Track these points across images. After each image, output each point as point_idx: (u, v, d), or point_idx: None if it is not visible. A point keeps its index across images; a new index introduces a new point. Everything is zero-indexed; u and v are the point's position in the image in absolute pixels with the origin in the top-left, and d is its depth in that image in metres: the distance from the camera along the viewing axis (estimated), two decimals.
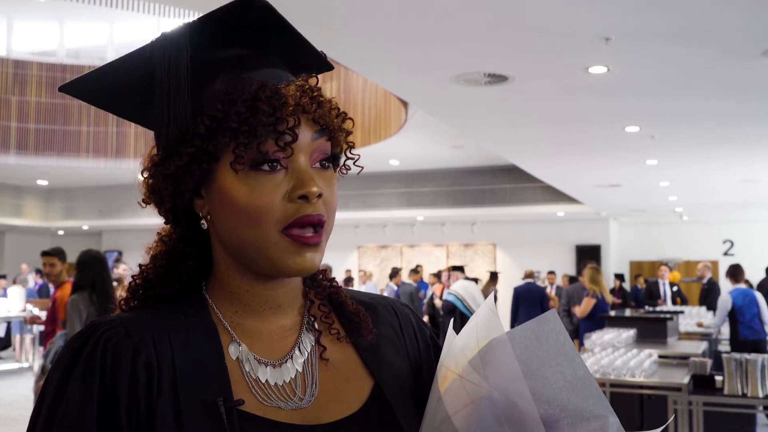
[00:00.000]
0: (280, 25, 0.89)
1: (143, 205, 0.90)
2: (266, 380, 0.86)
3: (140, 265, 0.93)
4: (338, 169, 0.91)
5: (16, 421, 7.81)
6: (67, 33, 12.80)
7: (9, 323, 12.73)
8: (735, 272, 8.37)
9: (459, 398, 0.83)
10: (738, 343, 8.03)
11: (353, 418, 0.87)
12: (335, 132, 0.87)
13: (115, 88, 0.90)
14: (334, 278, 1.00)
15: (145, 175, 0.88)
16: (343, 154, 0.91)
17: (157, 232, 0.95)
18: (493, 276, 11.88)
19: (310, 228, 0.84)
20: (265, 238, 0.82)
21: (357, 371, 0.92)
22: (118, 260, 12.84)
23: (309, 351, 0.91)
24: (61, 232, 21.89)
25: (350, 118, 0.90)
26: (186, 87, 0.84)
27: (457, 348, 0.88)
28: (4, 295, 12.76)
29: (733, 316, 8.14)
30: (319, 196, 0.83)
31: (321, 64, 0.96)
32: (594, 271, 9.17)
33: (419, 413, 0.92)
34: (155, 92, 0.85)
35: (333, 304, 0.97)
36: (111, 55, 12.59)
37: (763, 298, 8.24)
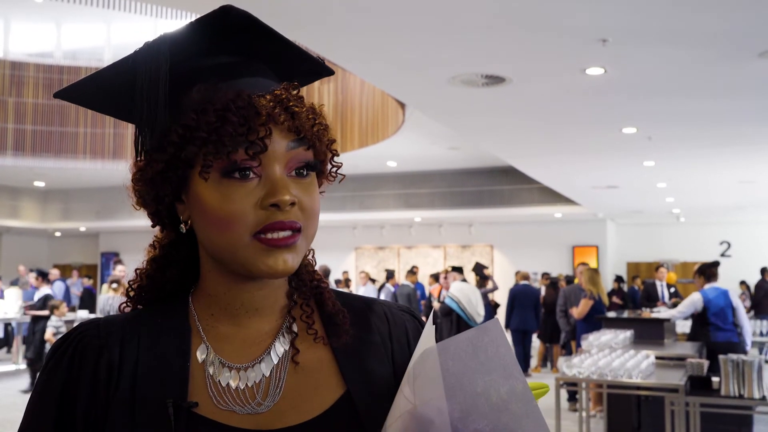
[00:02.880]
0: (262, 32, 0.90)
1: (137, 207, 0.92)
2: (227, 384, 0.86)
3: (136, 270, 0.97)
4: (325, 176, 0.93)
5: (14, 422, 7.79)
6: (64, 34, 12.80)
7: (8, 324, 12.70)
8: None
9: (394, 411, 0.82)
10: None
11: (309, 423, 0.86)
12: (314, 140, 0.88)
13: (104, 94, 0.93)
14: (322, 278, 0.99)
15: (132, 179, 0.91)
16: (328, 162, 0.92)
17: (154, 235, 0.98)
18: (478, 270, 11.51)
19: (283, 231, 0.84)
20: (237, 242, 0.84)
21: (329, 377, 0.91)
22: (117, 261, 12.82)
23: (281, 356, 0.90)
24: (58, 234, 21.85)
25: (328, 126, 0.91)
26: (164, 97, 0.85)
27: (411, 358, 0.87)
28: (1, 296, 12.73)
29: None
30: (293, 204, 0.84)
31: (317, 68, 0.97)
32: (593, 272, 9.18)
33: None
34: (135, 101, 0.87)
35: (318, 305, 0.97)
36: (108, 57, 12.58)
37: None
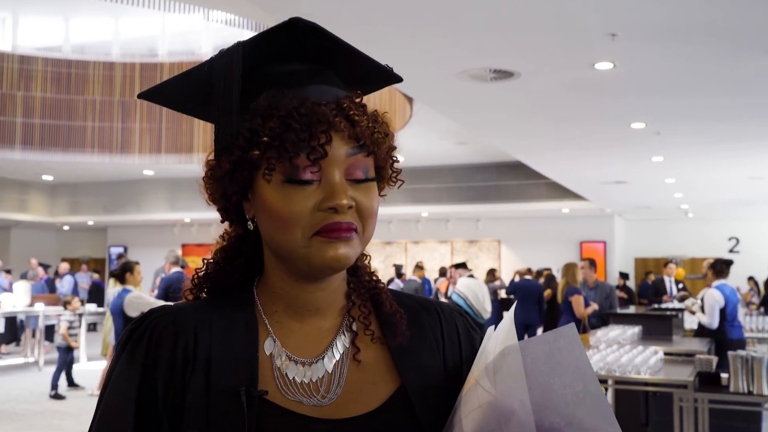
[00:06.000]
0: (329, 41, 0.95)
1: (209, 203, 0.99)
2: (294, 377, 0.92)
3: (204, 260, 1.03)
4: (385, 180, 0.98)
5: (22, 415, 7.83)
6: (72, 28, 12.81)
7: (15, 318, 12.76)
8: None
9: (471, 402, 0.87)
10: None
11: (370, 415, 0.92)
12: (373, 147, 0.93)
13: (184, 97, 1.01)
14: (379, 279, 1.05)
15: (203, 176, 0.97)
16: (388, 167, 0.97)
17: (225, 230, 1.05)
18: (490, 273, 12.00)
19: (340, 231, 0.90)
20: (295, 242, 0.89)
21: (386, 373, 0.97)
22: (121, 257, 12.83)
23: (342, 353, 0.96)
24: (66, 228, 21.94)
25: (388, 134, 0.96)
26: (236, 102, 0.91)
27: (481, 354, 0.93)
28: (10, 290, 12.79)
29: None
30: (350, 207, 0.89)
31: (384, 75, 1.03)
32: (568, 264, 9.21)
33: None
34: (211, 105, 0.93)
35: (374, 304, 1.02)
36: (116, 51, 12.59)
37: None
